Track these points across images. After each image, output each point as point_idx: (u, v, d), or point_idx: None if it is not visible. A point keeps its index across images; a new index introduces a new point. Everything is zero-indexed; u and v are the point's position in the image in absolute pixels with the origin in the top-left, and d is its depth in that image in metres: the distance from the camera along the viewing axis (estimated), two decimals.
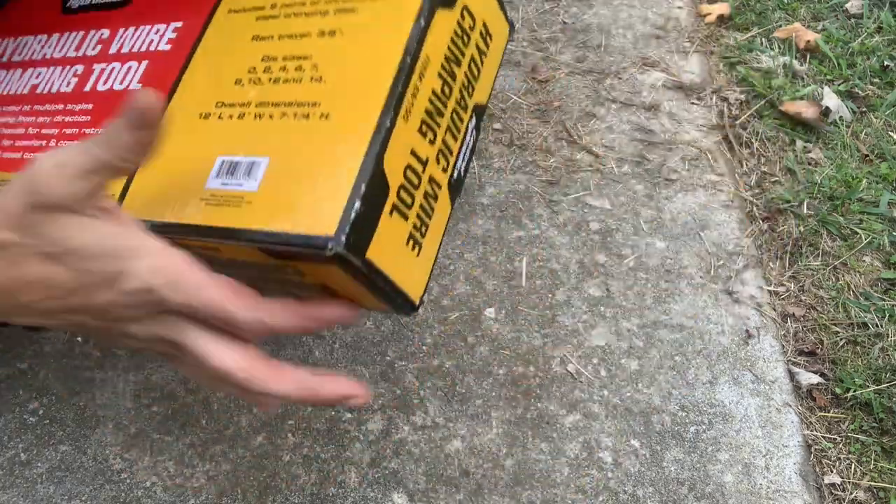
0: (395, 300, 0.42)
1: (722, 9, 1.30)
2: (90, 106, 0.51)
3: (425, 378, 0.78)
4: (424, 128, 0.42)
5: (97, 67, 0.53)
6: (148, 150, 0.38)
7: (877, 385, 0.80)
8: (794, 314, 0.88)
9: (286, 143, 0.42)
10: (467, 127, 0.46)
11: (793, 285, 0.91)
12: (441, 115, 0.43)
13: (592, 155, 1.03)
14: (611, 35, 1.23)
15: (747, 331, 0.84)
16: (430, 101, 0.42)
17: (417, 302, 0.43)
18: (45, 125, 0.52)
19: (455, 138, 0.45)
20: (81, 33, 0.56)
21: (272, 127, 0.43)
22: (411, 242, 0.42)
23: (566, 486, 0.70)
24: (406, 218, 0.41)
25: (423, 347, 0.80)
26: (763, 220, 0.98)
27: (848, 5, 1.31)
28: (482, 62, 0.47)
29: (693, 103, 1.12)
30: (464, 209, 0.94)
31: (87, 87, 0.53)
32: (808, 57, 1.21)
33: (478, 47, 0.46)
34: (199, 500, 0.68)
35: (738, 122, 1.11)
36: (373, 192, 0.38)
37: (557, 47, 1.20)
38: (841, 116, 1.11)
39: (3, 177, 0.51)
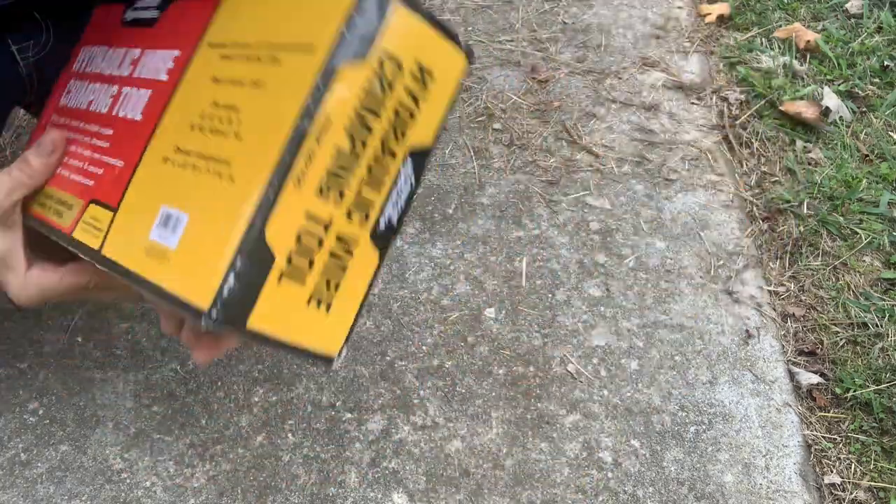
0: (304, 357, 0.43)
1: (722, 9, 1.30)
2: (111, 132, 0.53)
3: (425, 378, 0.78)
4: (326, 189, 0.41)
5: (124, 91, 0.54)
6: (49, 173, 0.55)
7: (877, 385, 0.80)
8: (794, 314, 0.88)
9: (202, 201, 0.42)
10: (397, 174, 0.45)
11: (793, 285, 0.91)
12: (350, 171, 0.42)
13: (592, 155, 1.03)
14: (611, 35, 1.23)
15: (747, 331, 0.84)
16: (335, 161, 0.41)
17: (333, 357, 0.44)
18: (83, 146, 0.54)
19: (378, 190, 0.44)
20: (123, 51, 0.56)
21: (199, 181, 0.43)
22: (314, 302, 0.42)
23: (566, 486, 0.70)
24: (303, 282, 0.41)
25: (423, 347, 0.80)
26: (763, 220, 0.98)
27: (848, 5, 1.31)
28: (418, 105, 0.44)
29: (693, 103, 1.12)
30: (464, 209, 0.94)
31: (115, 111, 0.54)
32: (808, 57, 1.22)
33: (410, 92, 0.44)
34: (199, 500, 0.68)
35: (738, 122, 1.11)
36: (251, 265, 0.39)
37: (557, 47, 1.20)
38: (841, 116, 1.11)
39: (49, 192, 0.55)
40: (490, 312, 0.84)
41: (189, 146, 0.45)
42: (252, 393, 0.76)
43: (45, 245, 0.54)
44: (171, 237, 0.42)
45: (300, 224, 0.41)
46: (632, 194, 0.97)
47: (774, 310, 0.87)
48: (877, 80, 1.17)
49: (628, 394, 0.77)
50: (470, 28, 1.25)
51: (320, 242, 0.42)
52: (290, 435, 0.73)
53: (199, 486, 0.69)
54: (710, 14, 1.29)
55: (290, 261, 0.40)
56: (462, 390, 0.77)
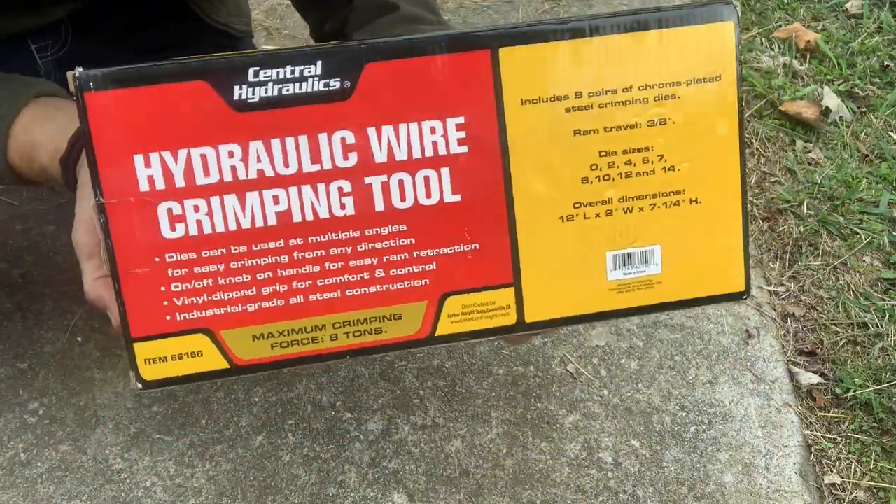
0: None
1: None
2: (404, 227, 0.49)
3: (425, 378, 0.78)
4: None
5: (375, 181, 0.48)
6: None
7: (877, 385, 0.80)
8: (794, 314, 0.88)
9: (669, 229, 0.51)
10: None
11: (793, 285, 0.91)
12: None
13: None
14: None
15: (747, 331, 0.84)
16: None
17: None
18: (343, 258, 0.49)
19: None
20: (301, 139, 0.47)
21: (648, 218, 0.51)
22: None
23: (566, 486, 0.70)
24: None
25: (423, 347, 0.80)
26: (763, 220, 0.98)
27: (848, 5, 1.31)
28: None
29: None
30: None
31: (392, 205, 0.49)
32: (808, 57, 1.22)
33: None
34: (199, 500, 0.68)
35: None
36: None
37: None
38: (841, 116, 1.11)
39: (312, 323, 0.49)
40: None
41: (600, 197, 0.50)
42: (252, 393, 0.76)
43: None
44: (648, 267, 0.52)
45: None
46: None
47: (774, 310, 0.88)
48: (877, 80, 1.17)
49: (628, 394, 0.77)
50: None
51: None
52: (290, 435, 0.73)
53: (199, 486, 0.69)
54: None
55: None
56: (462, 390, 0.77)
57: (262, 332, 0.48)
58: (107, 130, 0.45)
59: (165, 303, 0.47)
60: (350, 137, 0.47)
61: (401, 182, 0.48)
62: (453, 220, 0.49)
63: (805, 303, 0.89)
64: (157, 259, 0.46)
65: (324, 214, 0.47)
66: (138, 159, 0.46)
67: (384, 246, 0.48)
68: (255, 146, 0.46)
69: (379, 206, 0.48)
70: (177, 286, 0.47)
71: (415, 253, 0.49)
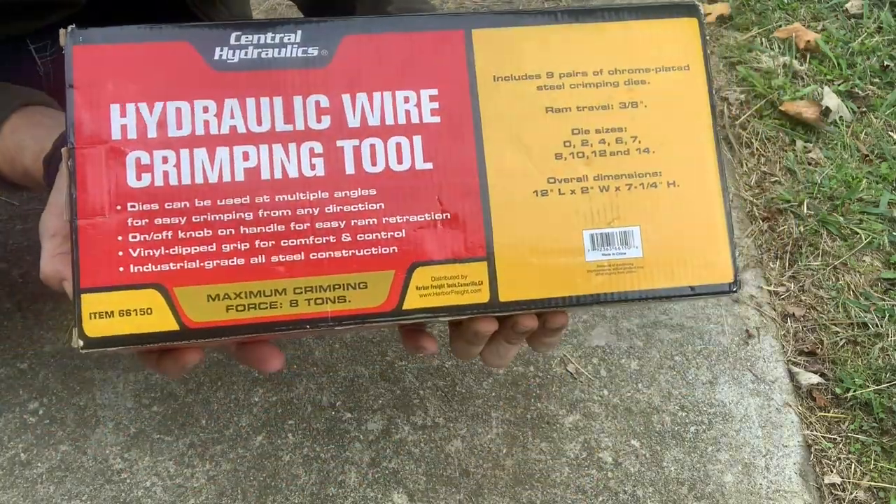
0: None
1: (722, 9, 1.30)
2: (373, 191, 0.48)
3: (425, 378, 0.78)
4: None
5: (347, 145, 0.49)
6: None
7: (877, 385, 0.80)
8: (794, 314, 0.88)
9: (648, 211, 0.50)
10: None
11: (793, 285, 0.91)
12: None
13: None
14: None
15: (747, 331, 0.84)
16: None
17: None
18: (310, 219, 0.48)
19: None
20: (275, 100, 0.49)
21: (625, 198, 0.50)
22: None
23: (566, 486, 0.70)
24: None
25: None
26: (763, 220, 0.98)
27: (848, 5, 1.31)
28: None
29: None
30: None
31: (362, 168, 0.48)
32: (808, 57, 1.22)
33: None
34: (199, 500, 0.68)
35: (738, 122, 1.11)
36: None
37: None
38: (841, 116, 1.11)
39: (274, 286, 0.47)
40: None
41: (574, 174, 0.50)
42: (252, 393, 0.76)
43: None
44: (629, 250, 0.50)
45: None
46: None
47: (774, 310, 0.87)
48: (877, 80, 1.17)
49: (628, 394, 0.77)
50: None
51: None
52: (290, 435, 0.73)
53: (199, 486, 0.69)
54: (710, 14, 1.29)
55: None
56: (462, 390, 0.77)
57: (219, 293, 0.46)
58: (87, 79, 0.46)
59: (121, 253, 0.46)
60: (324, 101, 0.48)
61: (372, 147, 0.48)
62: (424, 187, 0.49)
63: (805, 303, 0.89)
64: (118, 207, 0.46)
65: (293, 174, 0.47)
66: (114, 108, 0.46)
67: (353, 209, 0.48)
68: (231, 103, 0.47)
69: (349, 169, 0.48)
70: (135, 236, 0.46)
71: (384, 218, 0.48)
